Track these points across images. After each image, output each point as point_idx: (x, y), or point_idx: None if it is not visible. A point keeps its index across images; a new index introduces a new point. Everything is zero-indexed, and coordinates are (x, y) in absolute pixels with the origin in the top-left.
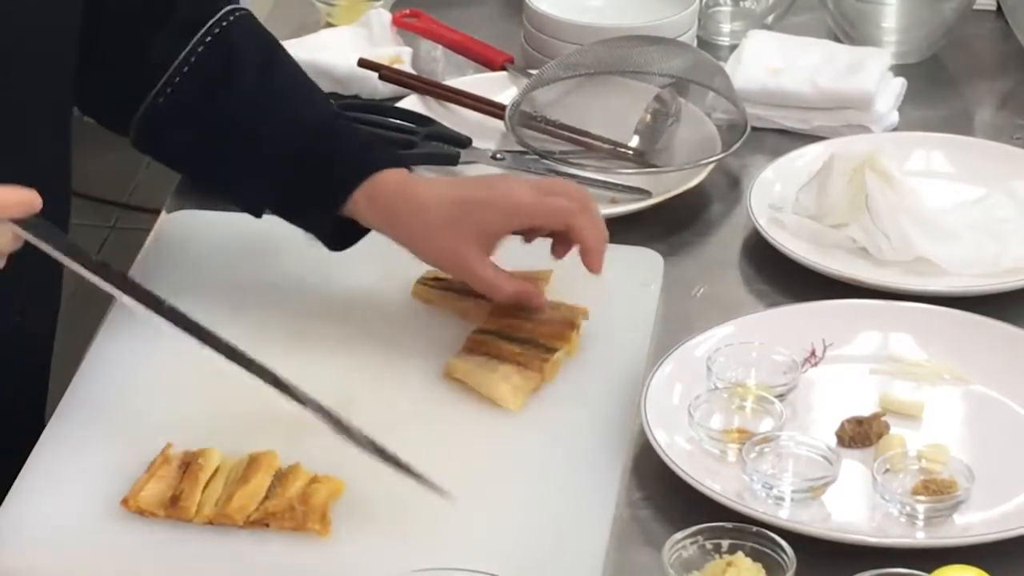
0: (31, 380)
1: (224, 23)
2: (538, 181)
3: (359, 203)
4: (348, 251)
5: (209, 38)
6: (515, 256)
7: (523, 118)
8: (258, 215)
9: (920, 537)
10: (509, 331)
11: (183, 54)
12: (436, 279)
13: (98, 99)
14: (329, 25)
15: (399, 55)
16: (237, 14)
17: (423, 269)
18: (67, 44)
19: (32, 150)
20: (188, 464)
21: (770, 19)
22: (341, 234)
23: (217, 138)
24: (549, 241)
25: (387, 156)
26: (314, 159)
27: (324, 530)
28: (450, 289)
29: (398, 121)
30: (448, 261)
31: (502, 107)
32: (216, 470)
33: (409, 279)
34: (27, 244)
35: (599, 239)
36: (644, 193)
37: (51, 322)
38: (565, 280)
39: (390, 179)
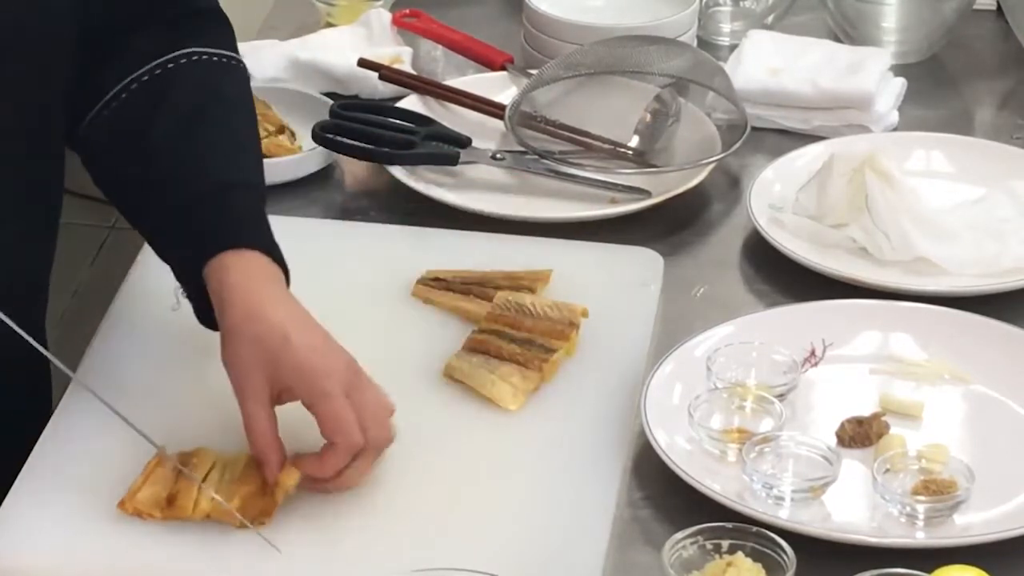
0: (29, 380)
1: (170, 64)
2: (368, 396)
3: (212, 273)
4: (348, 251)
5: (146, 76)
6: (513, 255)
7: (523, 118)
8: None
9: (920, 537)
10: (509, 331)
11: (121, 84)
12: (436, 279)
13: None
14: (329, 25)
15: (399, 55)
16: (193, 58)
17: (423, 269)
18: (61, 45)
19: (23, 152)
20: (184, 465)
21: (770, 19)
22: (205, 305)
23: (129, 177)
24: (548, 240)
25: (261, 239)
26: (193, 222)
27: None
28: (450, 289)
29: (398, 121)
30: (232, 375)
31: (502, 107)
32: (212, 466)
33: (410, 279)
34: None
35: (338, 480)
36: (644, 193)
37: (37, 319)
38: (565, 280)
39: (250, 267)
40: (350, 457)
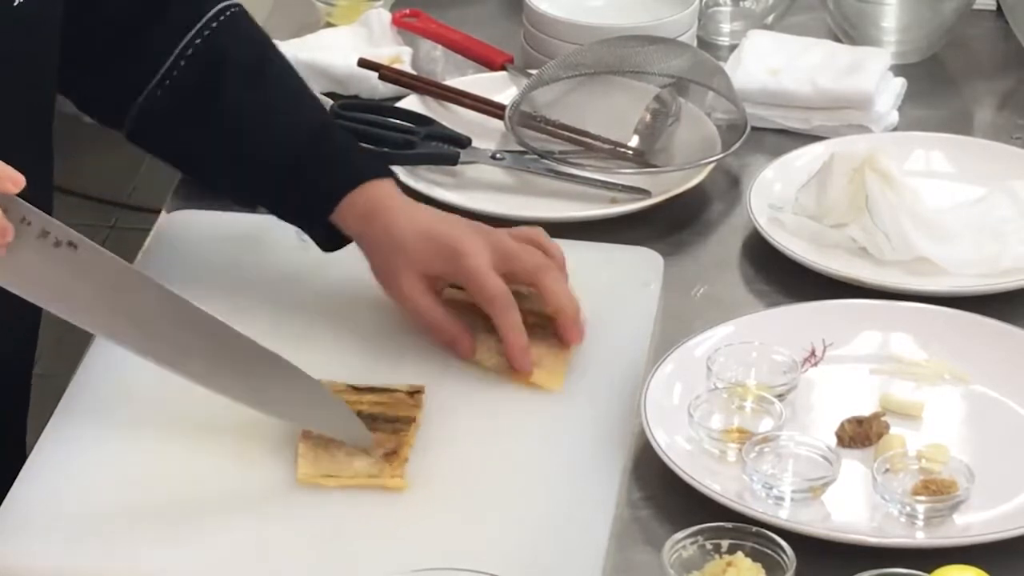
0: (10, 373)
1: (215, 23)
2: (508, 245)
3: (342, 211)
4: (347, 249)
5: (199, 40)
6: None
7: (523, 118)
8: (251, 209)
9: (920, 537)
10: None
11: (175, 54)
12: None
13: (95, 96)
14: (329, 25)
15: (399, 55)
16: (229, 12)
17: None
18: (47, 45)
19: (8, 151)
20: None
21: (770, 19)
22: (331, 237)
23: (208, 140)
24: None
25: (375, 167)
26: (302, 169)
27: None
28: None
29: (398, 121)
30: (386, 283)
31: (502, 107)
32: None
33: None
34: None
35: (567, 305)
36: (644, 193)
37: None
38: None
39: (373, 193)
40: (511, 312)
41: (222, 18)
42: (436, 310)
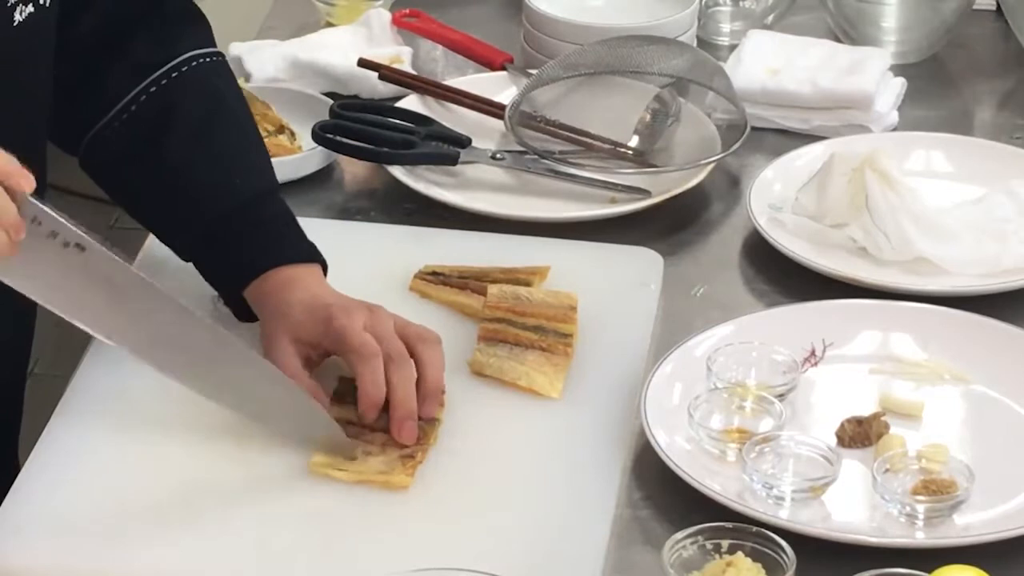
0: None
1: (174, 74)
2: (383, 328)
3: (254, 288)
4: (345, 246)
5: (154, 88)
6: (513, 255)
7: (523, 118)
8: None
9: (920, 537)
10: (515, 318)
11: (129, 96)
12: (433, 273)
13: (53, 121)
14: (329, 25)
15: (399, 55)
16: (196, 63)
17: (420, 264)
18: (44, 59)
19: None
20: None
21: (770, 19)
22: (245, 310)
23: (145, 189)
24: (548, 240)
25: (300, 250)
26: (224, 238)
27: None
28: (447, 283)
29: (398, 121)
30: (264, 345)
31: (502, 107)
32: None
33: (407, 273)
34: None
35: (403, 402)
36: (644, 193)
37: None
38: (565, 280)
39: (287, 275)
40: (373, 361)
41: (184, 68)
42: (298, 371)
